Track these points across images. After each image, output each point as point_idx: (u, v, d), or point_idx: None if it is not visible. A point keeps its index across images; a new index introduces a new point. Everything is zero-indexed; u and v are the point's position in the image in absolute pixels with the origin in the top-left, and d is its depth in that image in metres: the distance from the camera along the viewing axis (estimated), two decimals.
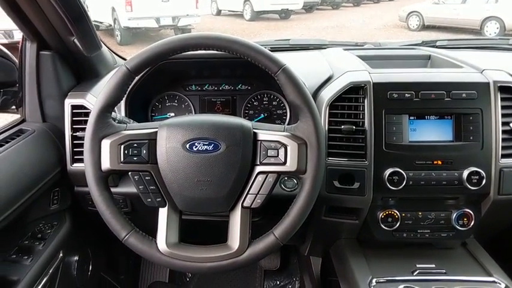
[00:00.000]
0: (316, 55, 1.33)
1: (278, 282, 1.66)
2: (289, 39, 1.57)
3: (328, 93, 1.04)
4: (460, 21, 10.35)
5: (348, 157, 1.01)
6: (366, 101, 1.00)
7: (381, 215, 1.04)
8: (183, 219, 0.83)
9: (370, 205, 1.03)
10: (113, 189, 0.83)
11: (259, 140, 0.80)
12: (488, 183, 0.99)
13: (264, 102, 1.25)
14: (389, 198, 1.04)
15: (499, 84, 1.00)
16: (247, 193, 0.79)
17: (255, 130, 0.81)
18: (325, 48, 1.44)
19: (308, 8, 13.87)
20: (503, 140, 0.99)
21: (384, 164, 0.99)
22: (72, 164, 1.09)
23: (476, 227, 1.04)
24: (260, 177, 0.79)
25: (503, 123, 0.99)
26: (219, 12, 14.45)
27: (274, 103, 1.24)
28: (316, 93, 1.08)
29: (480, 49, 1.50)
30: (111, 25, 8.67)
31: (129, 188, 1.10)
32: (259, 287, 1.63)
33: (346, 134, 1.01)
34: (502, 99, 1.00)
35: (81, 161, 1.07)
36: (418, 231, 1.06)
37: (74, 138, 1.09)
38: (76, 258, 1.19)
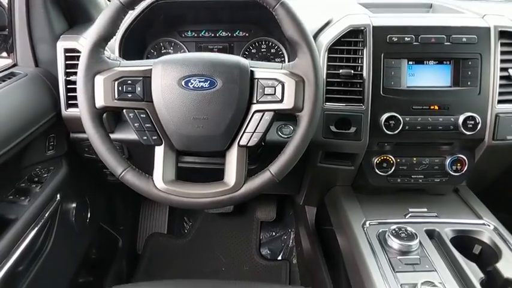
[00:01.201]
0: (316, 1, 1.30)
1: (274, 233, 1.70)
2: None
3: (327, 37, 1.02)
4: None
5: (345, 102, 1.00)
6: (365, 44, 0.99)
7: (376, 160, 1.05)
8: (179, 167, 0.84)
9: (366, 150, 1.04)
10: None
11: (256, 78, 0.79)
12: (484, 129, 1.00)
13: (262, 50, 1.22)
14: (384, 144, 1.04)
15: (499, 29, 0.98)
16: (244, 131, 0.79)
17: (252, 68, 0.80)
18: None
19: None
20: (501, 85, 0.99)
21: (380, 108, 0.99)
22: (67, 108, 1.08)
23: (469, 172, 1.06)
24: (257, 116, 0.79)
25: (502, 69, 0.99)
26: None
27: (272, 51, 1.22)
28: (315, 38, 1.06)
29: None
30: None
31: (126, 135, 1.09)
32: (256, 238, 1.67)
33: (344, 79, 1.00)
34: (502, 44, 0.99)
35: (75, 106, 1.06)
36: (412, 176, 1.07)
37: (67, 82, 1.07)
38: (74, 205, 1.21)
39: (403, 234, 0.93)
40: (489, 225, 1.00)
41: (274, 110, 0.79)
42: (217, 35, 1.23)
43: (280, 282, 1.48)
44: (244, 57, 1.22)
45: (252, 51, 1.23)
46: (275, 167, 0.79)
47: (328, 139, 1.03)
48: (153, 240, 1.65)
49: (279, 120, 1.09)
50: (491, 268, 0.89)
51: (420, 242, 0.93)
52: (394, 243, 0.91)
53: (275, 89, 0.78)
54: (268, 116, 0.79)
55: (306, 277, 1.40)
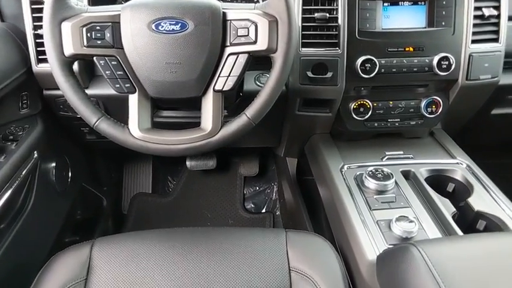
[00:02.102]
0: None
1: (258, 188, 1.73)
2: None
3: None
4: None
5: (321, 46, 1.00)
6: None
7: (353, 105, 1.06)
8: (156, 122, 0.83)
9: (343, 96, 1.05)
10: None
11: (228, 20, 0.77)
12: (457, 69, 1.01)
13: None
14: (361, 88, 1.05)
15: None
16: (219, 76, 0.78)
17: (224, 9, 0.78)
18: None
19: None
20: (475, 25, 1.00)
21: (356, 52, 0.99)
22: (37, 64, 1.04)
23: (444, 114, 1.08)
24: (231, 59, 0.78)
25: (476, 8, 0.99)
26: None
27: None
28: None
29: None
30: None
31: (101, 90, 1.07)
32: (240, 193, 1.70)
33: (319, 23, 0.99)
34: None
35: (45, 61, 1.02)
36: (389, 120, 1.09)
37: (36, 36, 1.03)
38: (53, 164, 1.20)
39: (379, 175, 0.95)
40: (462, 164, 1.03)
41: (248, 52, 0.78)
42: None
43: None
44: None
45: None
46: (251, 110, 0.79)
47: (305, 85, 1.02)
48: (138, 200, 1.66)
49: (257, 69, 1.08)
50: (463, 203, 0.93)
51: (396, 182, 0.96)
52: (371, 183, 0.94)
53: (248, 30, 0.76)
54: (242, 59, 0.78)
55: (288, 226, 1.44)
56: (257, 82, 1.07)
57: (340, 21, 0.98)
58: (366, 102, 1.06)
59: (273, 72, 0.78)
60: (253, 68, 1.08)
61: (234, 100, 1.08)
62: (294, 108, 1.11)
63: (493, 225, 0.87)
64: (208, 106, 0.80)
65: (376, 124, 1.09)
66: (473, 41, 1.00)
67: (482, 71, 1.02)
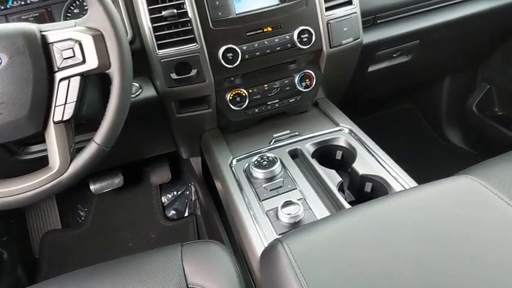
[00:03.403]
0: None
1: (175, 192, 1.68)
2: None
3: None
4: None
5: (178, 45, 0.94)
6: None
7: (228, 96, 1.03)
8: (28, 160, 0.74)
9: (216, 89, 1.01)
10: None
11: (50, 43, 0.69)
12: (319, 39, 1.01)
13: (85, 7, 1.09)
14: (231, 78, 1.02)
15: None
16: (55, 106, 0.71)
17: (43, 32, 0.70)
18: None
19: None
20: None
21: (215, 43, 0.95)
22: None
23: (318, 86, 1.08)
24: (63, 85, 0.70)
25: None
26: None
27: None
28: None
29: None
30: None
31: None
32: (158, 203, 1.63)
33: (170, 21, 0.93)
34: None
35: None
36: (268, 103, 1.08)
37: None
38: None
39: (264, 162, 0.94)
40: (344, 129, 1.05)
41: (79, 74, 0.70)
42: (29, 1, 1.06)
43: (189, 238, 1.48)
44: (67, 20, 1.10)
45: (75, 11, 1.09)
46: (100, 135, 0.73)
47: (173, 88, 0.97)
48: (49, 239, 1.53)
49: None
50: (350, 169, 0.95)
51: (283, 165, 0.95)
52: (258, 173, 0.92)
53: (73, 50, 0.69)
54: (75, 82, 0.71)
55: (207, 227, 1.41)
56: None
57: (190, 14, 0.93)
58: (241, 91, 1.03)
59: (113, 89, 0.72)
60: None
61: None
62: (173, 111, 1.06)
63: (378, 186, 0.90)
64: (52, 141, 0.72)
65: (256, 110, 1.07)
66: (328, 8, 1.00)
67: (343, 36, 1.03)
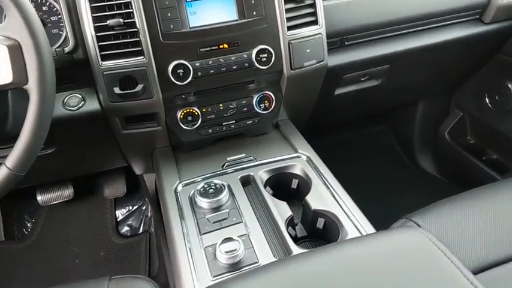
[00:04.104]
0: None
1: (131, 207, 1.58)
2: None
3: None
4: None
5: (123, 57, 0.86)
6: None
7: (179, 115, 0.96)
8: None
9: (166, 106, 0.93)
10: None
11: None
12: (279, 60, 0.94)
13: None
14: (182, 95, 0.94)
15: None
16: None
17: None
18: None
19: None
20: (288, 10, 0.93)
21: (165, 57, 0.87)
22: None
23: (278, 108, 1.02)
24: None
25: None
26: None
27: (44, 8, 0.99)
28: None
29: None
30: None
31: None
32: (111, 218, 1.53)
33: (115, 30, 0.85)
34: None
35: None
36: (223, 123, 1.00)
37: None
38: None
39: (211, 190, 0.86)
40: (302, 157, 0.99)
41: None
42: None
43: (138, 259, 1.39)
44: None
45: None
46: (12, 159, 0.64)
47: (117, 103, 0.89)
48: None
49: (65, 90, 0.93)
50: (304, 202, 0.88)
51: (232, 193, 0.88)
52: (203, 202, 0.85)
53: None
54: None
55: (158, 249, 1.32)
56: (65, 106, 0.92)
57: (138, 25, 0.85)
58: (193, 109, 0.96)
59: (30, 107, 0.64)
60: (60, 89, 0.93)
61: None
62: (118, 127, 0.98)
63: (330, 224, 0.84)
64: None
65: (210, 130, 1.00)
66: (290, 27, 0.93)
67: (305, 57, 0.96)
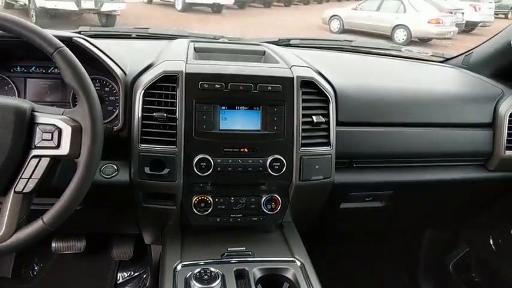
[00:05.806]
0: (155, 45, 1.34)
1: (132, 273, 1.65)
2: (148, 28, 1.57)
3: (143, 81, 1.05)
4: (374, 27, 11.25)
5: (159, 144, 1.03)
6: (177, 90, 1.03)
7: (194, 200, 1.08)
8: None
9: (184, 191, 1.06)
10: None
11: (36, 123, 0.79)
12: (290, 170, 1.07)
13: (96, 88, 1.21)
14: (200, 184, 1.07)
15: (301, 79, 1.08)
16: (20, 177, 0.77)
17: (35, 112, 0.79)
18: (175, 38, 1.44)
19: (240, 4, 14.14)
20: (304, 130, 1.08)
21: (193, 150, 1.02)
22: None
23: (283, 212, 1.12)
24: (33, 161, 0.78)
25: (304, 115, 1.08)
26: (150, 1, 14.09)
27: (106, 89, 1.22)
28: (135, 79, 1.09)
29: (328, 49, 1.63)
30: (26, 4, 7.99)
31: None
32: (111, 279, 1.60)
33: (159, 121, 1.03)
34: (304, 93, 1.08)
35: None
36: (231, 215, 1.11)
37: None
38: None
39: (205, 277, 0.94)
40: (297, 262, 1.05)
41: (50, 156, 0.78)
42: (49, 71, 1.20)
43: None
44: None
45: None
46: (48, 215, 0.78)
47: (144, 180, 1.03)
48: None
49: (104, 159, 1.08)
50: None
51: (225, 284, 0.95)
52: (196, 286, 0.92)
53: (52, 135, 0.78)
54: (44, 162, 0.78)
55: None
56: (102, 174, 1.07)
57: (178, 122, 1.02)
58: (207, 197, 1.08)
59: (75, 176, 0.78)
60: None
61: None
62: (139, 200, 1.11)
63: None
64: (6, 207, 0.77)
65: (218, 219, 1.10)
66: (304, 144, 1.08)
67: (313, 172, 1.09)
